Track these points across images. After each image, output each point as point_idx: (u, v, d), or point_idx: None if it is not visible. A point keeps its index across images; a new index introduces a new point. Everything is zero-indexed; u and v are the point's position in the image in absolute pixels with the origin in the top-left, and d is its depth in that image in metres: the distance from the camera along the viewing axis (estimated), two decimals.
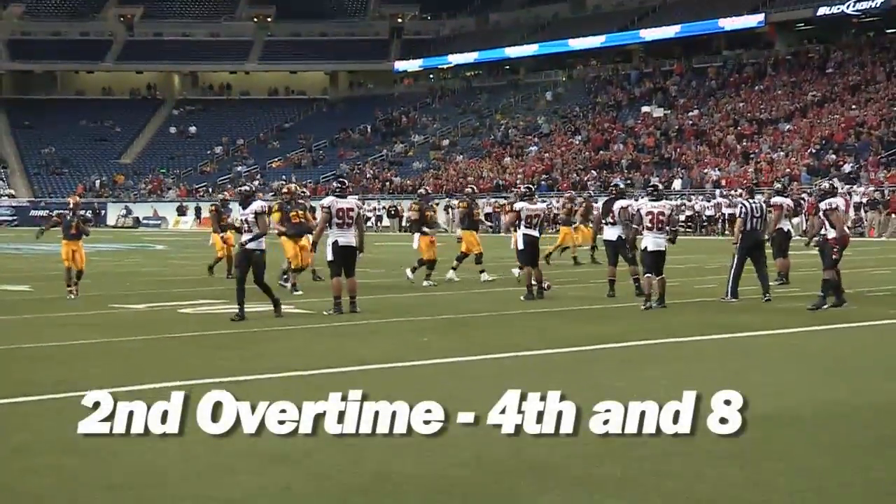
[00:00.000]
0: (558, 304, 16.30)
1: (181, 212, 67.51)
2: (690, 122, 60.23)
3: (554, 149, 63.37)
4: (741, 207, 17.07)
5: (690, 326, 13.57)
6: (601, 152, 60.20)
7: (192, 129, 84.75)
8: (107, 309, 16.38)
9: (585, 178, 55.26)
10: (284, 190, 20.85)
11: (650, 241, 15.59)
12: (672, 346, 11.96)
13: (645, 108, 65.01)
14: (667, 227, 15.55)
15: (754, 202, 17.08)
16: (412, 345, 12.12)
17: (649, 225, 15.56)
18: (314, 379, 9.72)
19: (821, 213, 15.61)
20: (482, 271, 20.61)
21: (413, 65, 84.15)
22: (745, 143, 54.53)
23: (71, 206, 19.23)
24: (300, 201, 19.73)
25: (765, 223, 17.32)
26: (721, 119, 59.10)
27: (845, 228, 15.89)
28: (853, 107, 54.55)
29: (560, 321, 14.40)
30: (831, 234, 15.37)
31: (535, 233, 17.34)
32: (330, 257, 15.19)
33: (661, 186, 17.27)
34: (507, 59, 79.08)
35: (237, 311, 14.33)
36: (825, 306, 15.06)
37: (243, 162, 78.85)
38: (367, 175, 68.18)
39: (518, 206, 17.81)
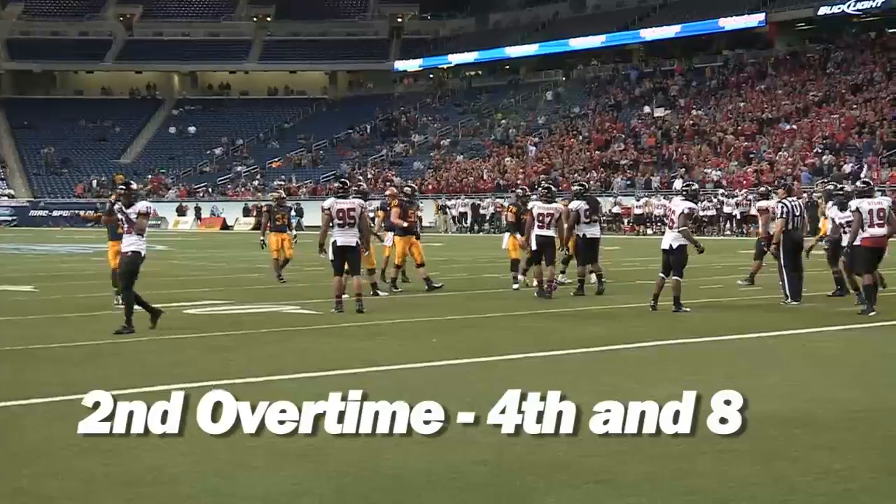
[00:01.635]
0: (566, 305, 16.25)
1: (181, 212, 67.50)
2: (691, 121, 60.21)
3: (555, 149, 63.34)
4: (782, 207, 16.45)
5: (700, 327, 13.51)
6: (602, 152, 60.17)
7: (192, 128, 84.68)
8: (111, 309, 16.32)
9: (586, 178, 55.22)
10: (399, 189, 20.75)
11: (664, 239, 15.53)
12: (682, 348, 11.90)
13: (646, 108, 65.00)
14: (674, 227, 15.34)
15: (795, 201, 16.52)
16: (420, 346, 12.07)
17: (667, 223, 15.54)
18: (322, 381, 9.66)
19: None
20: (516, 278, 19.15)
21: (413, 64, 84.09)
22: (745, 143, 54.49)
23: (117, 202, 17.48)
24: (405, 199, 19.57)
25: (805, 222, 16.89)
26: (722, 119, 59.07)
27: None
28: (854, 106, 54.52)
29: (569, 322, 14.34)
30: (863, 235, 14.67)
31: (549, 232, 17.30)
32: (331, 257, 15.46)
33: (695, 186, 16.69)
34: (508, 58, 79.03)
35: (124, 322, 13.11)
36: (872, 313, 14.44)
37: (243, 162, 78.81)
38: (369, 175, 68.12)
39: (531, 205, 17.83)
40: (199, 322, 14.30)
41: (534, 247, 17.25)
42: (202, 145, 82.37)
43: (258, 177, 74.64)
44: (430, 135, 74.71)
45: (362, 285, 15.68)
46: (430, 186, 62.60)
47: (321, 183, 68.86)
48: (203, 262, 29.16)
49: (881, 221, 14.72)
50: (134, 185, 14.28)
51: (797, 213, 16.48)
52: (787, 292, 16.21)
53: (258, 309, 15.96)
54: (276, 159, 78.01)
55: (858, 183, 16.23)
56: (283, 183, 65.11)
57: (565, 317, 14.87)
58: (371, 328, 13.58)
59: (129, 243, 13.37)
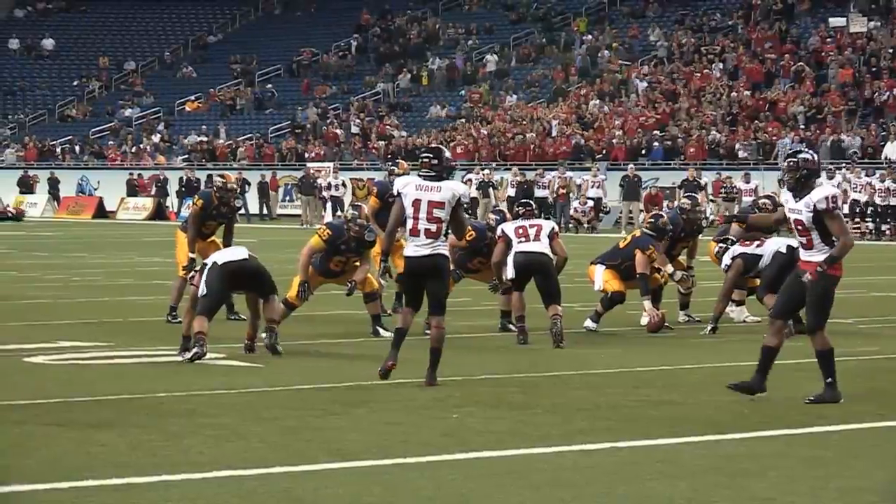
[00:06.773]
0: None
1: (25, 186, 65.77)
2: None
3: None
4: None
5: None
6: None
7: (48, 42, 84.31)
8: None
9: None
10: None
11: None
12: None
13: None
14: None
15: None
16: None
17: None
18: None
19: None
20: None
21: None
22: None
23: None
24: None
25: None
26: None
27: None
28: None
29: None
30: None
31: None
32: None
33: None
34: None
35: None
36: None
37: (135, 101, 78.31)
38: (353, 128, 68.18)
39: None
40: (48, 377, 14.87)
41: None
42: (64, 72, 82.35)
43: (160, 127, 74.42)
44: (459, 52, 74.07)
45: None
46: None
47: (271, 141, 68.59)
48: (64, 273, 29.65)
49: None
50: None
51: None
52: None
53: (148, 357, 16.63)
54: (192, 98, 78.19)
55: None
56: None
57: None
58: (348, 345, 14.68)
59: None
